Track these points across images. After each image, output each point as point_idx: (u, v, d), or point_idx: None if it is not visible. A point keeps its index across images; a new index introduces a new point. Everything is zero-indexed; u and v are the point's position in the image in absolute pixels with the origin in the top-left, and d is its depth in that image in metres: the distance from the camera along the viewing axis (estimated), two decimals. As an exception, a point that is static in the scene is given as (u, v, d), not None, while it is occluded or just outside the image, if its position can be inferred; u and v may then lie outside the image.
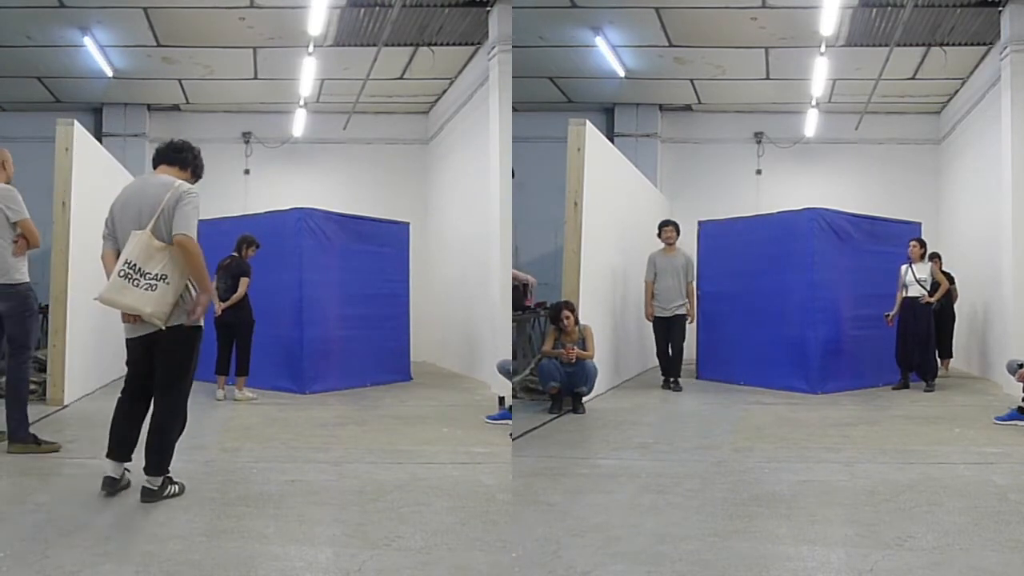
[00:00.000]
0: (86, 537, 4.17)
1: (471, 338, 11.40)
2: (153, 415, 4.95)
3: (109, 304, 4.78)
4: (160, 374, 4.92)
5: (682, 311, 9.92)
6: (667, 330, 9.91)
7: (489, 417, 7.62)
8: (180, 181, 4.87)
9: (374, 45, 10.85)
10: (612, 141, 12.24)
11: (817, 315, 9.78)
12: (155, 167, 5.03)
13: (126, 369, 5.06)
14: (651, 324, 10.07)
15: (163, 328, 4.77)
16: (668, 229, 10.08)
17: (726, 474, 5.63)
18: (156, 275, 4.68)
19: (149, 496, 4.79)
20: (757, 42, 11.23)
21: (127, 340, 4.97)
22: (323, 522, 4.54)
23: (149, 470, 4.83)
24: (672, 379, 9.85)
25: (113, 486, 4.90)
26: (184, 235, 4.69)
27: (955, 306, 11.37)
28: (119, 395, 5.05)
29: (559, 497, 5.03)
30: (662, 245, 10.09)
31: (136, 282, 4.66)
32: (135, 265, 4.67)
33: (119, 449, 4.94)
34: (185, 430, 5.09)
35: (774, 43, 11.24)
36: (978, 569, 3.82)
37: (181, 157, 5.03)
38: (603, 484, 5.39)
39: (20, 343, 6.09)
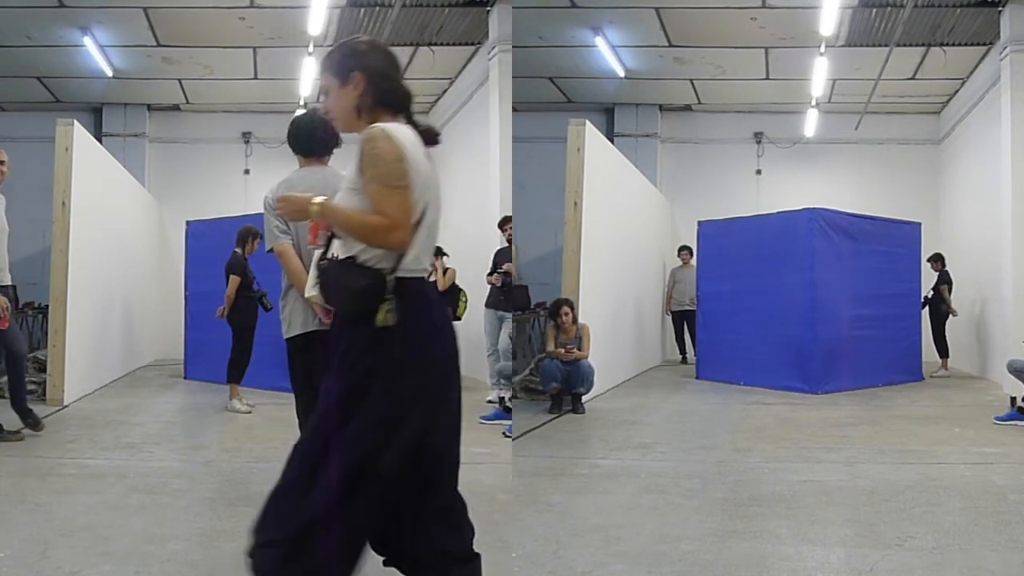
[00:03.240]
0: (86, 537, 4.16)
1: (471, 338, 11.37)
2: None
3: (319, 302, 4.21)
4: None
5: (693, 306, 11.82)
6: (683, 319, 12.73)
7: (483, 417, 7.61)
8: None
9: (374, 45, 10.84)
10: (612, 141, 12.23)
11: (817, 315, 9.77)
12: (317, 156, 4.59)
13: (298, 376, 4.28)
14: (669, 317, 13.08)
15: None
16: (685, 253, 12.76)
17: (726, 474, 5.63)
18: None
19: None
20: (757, 42, 11.22)
21: (308, 339, 4.21)
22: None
23: None
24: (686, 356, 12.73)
25: None
26: None
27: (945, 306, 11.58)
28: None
29: (559, 497, 5.03)
30: (680, 262, 12.97)
31: None
32: None
33: None
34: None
35: (774, 43, 11.23)
36: (978, 569, 3.82)
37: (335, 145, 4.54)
38: (603, 484, 5.39)
39: None
